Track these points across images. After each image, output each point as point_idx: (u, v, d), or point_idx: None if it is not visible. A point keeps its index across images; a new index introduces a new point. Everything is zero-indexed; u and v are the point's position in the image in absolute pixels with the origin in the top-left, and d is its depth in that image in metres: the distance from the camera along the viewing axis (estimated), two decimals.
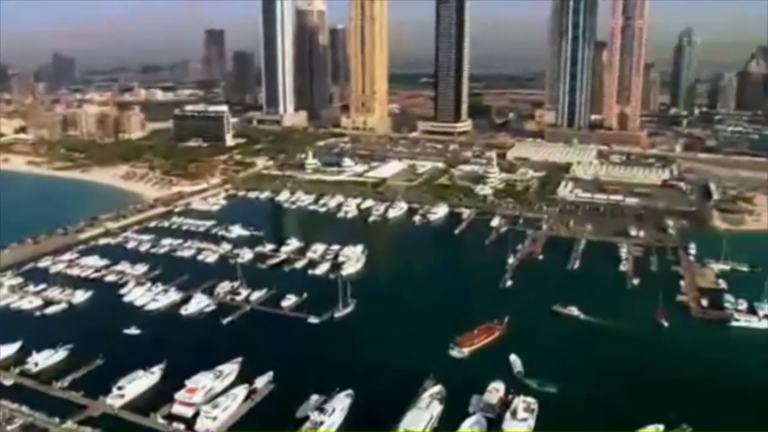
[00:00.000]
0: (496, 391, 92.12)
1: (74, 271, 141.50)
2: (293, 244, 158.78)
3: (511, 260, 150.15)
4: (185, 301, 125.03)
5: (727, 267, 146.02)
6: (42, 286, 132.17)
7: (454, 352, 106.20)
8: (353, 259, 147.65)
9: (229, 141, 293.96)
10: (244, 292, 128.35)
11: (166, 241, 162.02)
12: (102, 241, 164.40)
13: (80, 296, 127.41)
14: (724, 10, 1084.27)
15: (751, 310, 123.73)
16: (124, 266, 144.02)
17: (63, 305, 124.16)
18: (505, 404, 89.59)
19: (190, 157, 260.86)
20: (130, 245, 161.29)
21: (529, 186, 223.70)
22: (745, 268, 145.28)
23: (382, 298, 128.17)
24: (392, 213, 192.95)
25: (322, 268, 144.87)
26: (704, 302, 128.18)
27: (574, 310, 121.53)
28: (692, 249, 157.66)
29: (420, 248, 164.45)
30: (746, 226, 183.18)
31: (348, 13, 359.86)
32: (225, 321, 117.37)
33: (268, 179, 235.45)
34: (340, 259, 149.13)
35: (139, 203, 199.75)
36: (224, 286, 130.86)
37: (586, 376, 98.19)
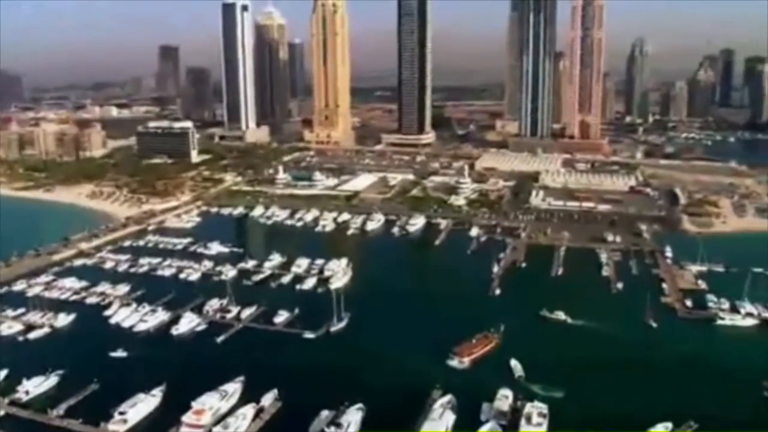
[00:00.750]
0: (505, 398, 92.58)
1: (53, 294, 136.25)
2: (276, 259, 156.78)
3: (495, 269, 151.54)
4: (174, 320, 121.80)
5: (703, 268, 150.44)
6: (20, 310, 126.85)
7: (454, 363, 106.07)
8: (340, 272, 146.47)
9: (195, 157, 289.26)
10: (233, 310, 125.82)
11: (145, 261, 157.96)
12: (77, 262, 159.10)
13: (63, 319, 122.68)
14: (674, 19, 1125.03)
15: (734, 309, 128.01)
16: (104, 287, 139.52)
17: (46, 329, 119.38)
18: (515, 410, 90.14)
19: (156, 174, 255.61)
20: (108, 265, 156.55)
21: (502, 195, 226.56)
22: (720, 269, 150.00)
23: (373, 310, 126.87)
24: (370, 225, 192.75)
25: (309, 283, 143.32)
26: (688, 303, 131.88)
27: (561, 315, 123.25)
28: (668, 252, 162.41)
29: (404, 260, 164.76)
30: (715, 228, 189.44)
31: (309, 27, 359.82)
32: (219, 340, 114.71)
33: (240, 195, 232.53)
34: (326, 273, 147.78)
35: (110, 222, 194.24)
36: (213, 304, 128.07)
37: (587, 379, 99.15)
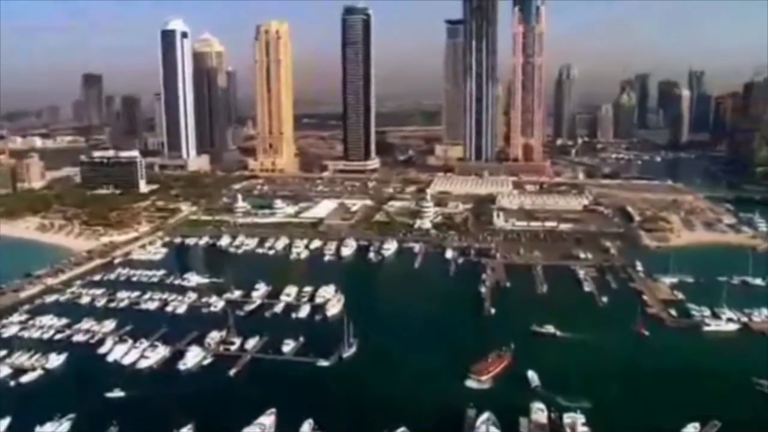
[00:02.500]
0: (540, 411, 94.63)
1: (34, 334, 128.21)
2: (262, 288, 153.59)
3: (483, 289, 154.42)
4: (177, 355, 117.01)
5: (675, 279, 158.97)
6: (2, 352, 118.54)
7: (472, 383, 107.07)
8: (333, 299, 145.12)
9: (143, 187, 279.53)
10: (236, 341, 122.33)
11: (123, 294, 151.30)
12: (48, 299, 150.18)
13: (54, 360, 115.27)
14: (598, 44, 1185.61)
15: (715, 315, 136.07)
16: (89, 324, 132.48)
17: (39, 372, 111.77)
18: (553, 422, 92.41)
19: (106, 205, 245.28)
20: (84, 301, 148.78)
21: (466, 218, 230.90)
22: (690, 279, 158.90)
23: (378, 336, 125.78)
24: (345, 251, 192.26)
25: (304, 311, 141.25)
26: (673, 312, 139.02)
27: (551, 329, 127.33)
28: (639, 266, 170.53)
29: (390, 284, 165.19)
30: (672, 242, 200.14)
31: (252, 54, 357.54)
32: (231, 373, 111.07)
33: (200, 225, 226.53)
34: (318, 300, 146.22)
35: (69, 256, 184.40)
36: (213, 337, 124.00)
37: (604, 388, 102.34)
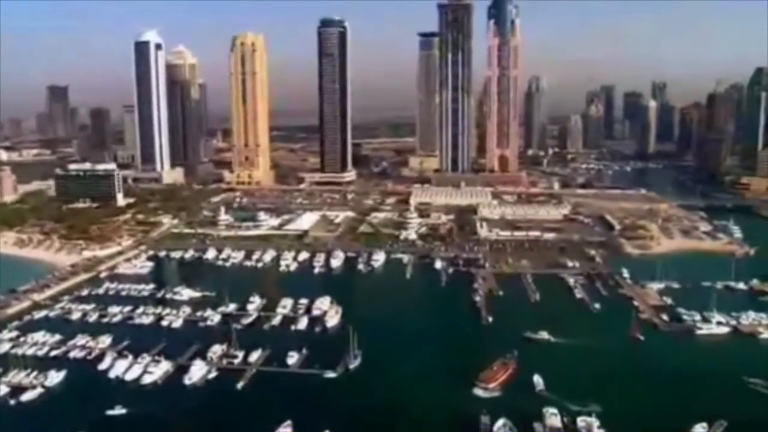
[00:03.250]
0: (554, 415, 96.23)
1: (28, 351, 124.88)
2: (257, 301, 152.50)
3: (478, 298, 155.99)
4: (181, 370, 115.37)
5: (662, 285, 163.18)
6: None
7: (479, 391, 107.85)
8: (331, 311, 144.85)
9: (121, 201, 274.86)
10: (239, 355, 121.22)
11: (115, 309, 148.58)
12: (37, 315, 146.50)
13: (54, 377, 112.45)
14: (563, 56, 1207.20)
15: (705, 319, 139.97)
16: (84, 339, 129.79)
17: (38, 390, 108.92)
18: (567, 426, 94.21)
19: (84, 219, 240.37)
20: (75, 316, 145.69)
21: (451, 229, 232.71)
22: (676, 285, 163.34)
23: (380, 346, 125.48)
24: (334, 263, 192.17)
25: (302, 323, 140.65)
26: (664, 317, 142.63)
27: (544, 334, 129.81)
28: (625, 273, 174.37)
29: (384, 295, 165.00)
30: (653, 250, 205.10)
31: (228, 66, 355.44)
32: (239, 386, 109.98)
33: (184, 238, 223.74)
34: (315, 312, 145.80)
35: (52, 271, 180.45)
36: (215, 350, 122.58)
37: (609, 391, 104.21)
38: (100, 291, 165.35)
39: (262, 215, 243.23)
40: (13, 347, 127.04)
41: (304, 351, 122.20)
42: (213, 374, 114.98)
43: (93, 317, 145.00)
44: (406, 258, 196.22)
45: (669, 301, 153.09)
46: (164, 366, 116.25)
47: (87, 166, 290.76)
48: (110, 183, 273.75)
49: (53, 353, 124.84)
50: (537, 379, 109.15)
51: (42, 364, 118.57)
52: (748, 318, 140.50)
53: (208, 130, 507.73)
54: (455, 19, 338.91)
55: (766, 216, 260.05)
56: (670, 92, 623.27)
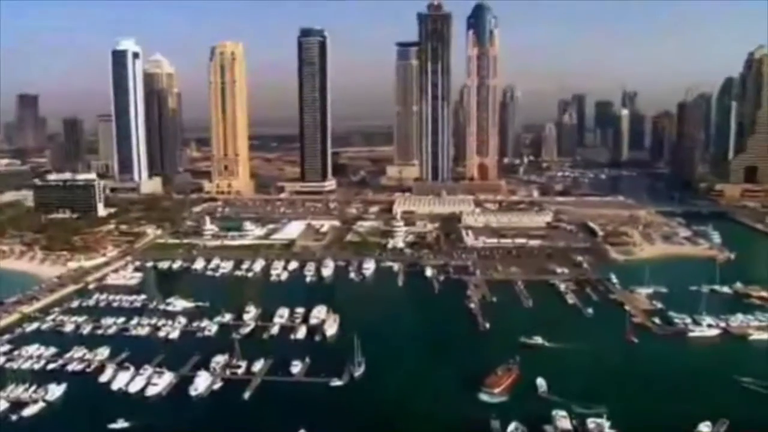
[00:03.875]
0: (563, 418, 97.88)
1: (24, 364, 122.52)
2: (252, 311, 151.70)
3: (472, 305, 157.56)
4: (185, 381, 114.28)
5: (650, 290, 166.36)
6: None
7: (485, 396, 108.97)
8: (329, 320, 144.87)
9: (102, 211, 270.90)
10: (242, 365, 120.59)
11: (108, 321, 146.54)
12: (29, 328, 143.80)
13: (55, 391, 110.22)
14: (535, 66, 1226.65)
15: (696, 322, 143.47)
16: (81, 352, 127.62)
17: (40, 404, 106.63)
18: (577, 428, 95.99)
19: (65, 229, 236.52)
20: (68, 329, 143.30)
21: (438, 237, 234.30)
22: (664, 290, 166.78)
23: (382, 353, 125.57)
24: (325, 272, 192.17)
25: (301, 332, 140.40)
26: (657, 321, 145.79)
27: (539, 339, 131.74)
28: (614, 279, 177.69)
29: (379, 303, 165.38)
30: (637, 255, 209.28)
31: (207, 75, 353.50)
32: (246, 396, 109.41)
33: (170, 248, 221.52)
34: (313, 321, 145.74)
35: (38, 283, 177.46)
36: (218, 361, 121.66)
37: (611, 392, 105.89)
38: (91, 302, 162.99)
39: (248, 225, 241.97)
40: (7, 361, 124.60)
41: (307, 360, 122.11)
42: (218, 385, 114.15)
43: (87, 329, 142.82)
44: (396, 266, 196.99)
45: (659, 305, 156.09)
46: (167, 377, 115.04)
47: (67, 176, 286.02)
48: (91, 193, 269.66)
49: (50, 366, 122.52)
50: (540, 382, 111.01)
51: (40, 377, 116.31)
52: (737, 320, 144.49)
53: (182, 140, 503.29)
54: (435, 30, 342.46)
55: (741, 221, 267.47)
56: (639, 101, 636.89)
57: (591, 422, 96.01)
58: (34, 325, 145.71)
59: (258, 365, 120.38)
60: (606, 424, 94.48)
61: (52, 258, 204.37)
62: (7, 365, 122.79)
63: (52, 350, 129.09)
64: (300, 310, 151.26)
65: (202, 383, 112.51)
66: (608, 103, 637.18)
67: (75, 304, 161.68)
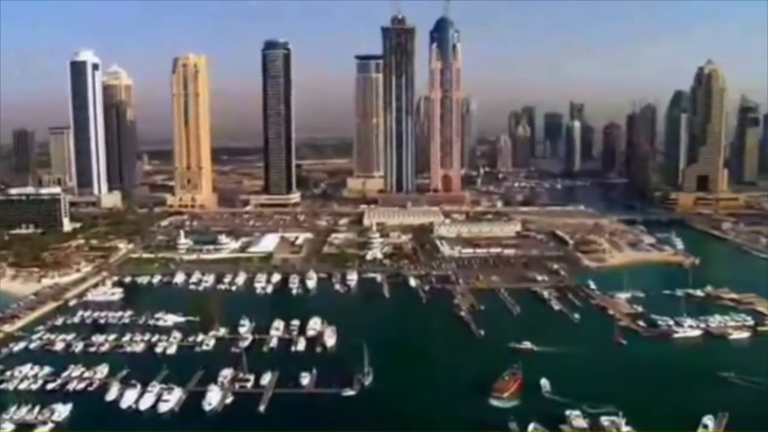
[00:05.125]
0: (578, 417, 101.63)
1: (21, 385, 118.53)
2: (247, 324, 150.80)
3: (463, 313, 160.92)
4: (195, 396, 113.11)
5: (628, 295, 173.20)
6: None
7: (496, 401, 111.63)
8: (328, 331, 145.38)
9: (67, 226, 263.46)
10: (251, 378, 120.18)
11: (99, 338, 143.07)
12: (16, 347, 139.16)
13: (62, 411, 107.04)
14: (490, 78, 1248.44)
15: (678, 324, 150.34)
16: (78, 371, 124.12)
17: (49, 425, 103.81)
18: (593, 426, 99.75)
19: (31, 245, 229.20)
20: (59, 347, 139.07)
21: (415, 248, 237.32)
22: (641, 294, 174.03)
23: (385, 363, 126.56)
24: (310, 284, 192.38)
25: (301, 344, 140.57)
26: (641, 323, 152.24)
27: (526, 344, 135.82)
28: (592, 285, 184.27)
29: (371, 313, 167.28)
30: (608, 262, 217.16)
31: (169, 87, 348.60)
32: (261, 409, 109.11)
33: (144, 263, 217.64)
34: (310, 332, 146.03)
35: (18, 301, 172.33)
36: (225, 375, 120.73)
37: (614, 391, 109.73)
38: (76, 320, 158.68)
39: (223, 238, 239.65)
40: (1, 382, 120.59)
41: (314, 371, 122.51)
42: (229, 399, 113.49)
43: (78, 347, 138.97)
44: (379, 277, 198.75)
45: (640, 308, 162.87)
46: (177, 393, 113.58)
47: (30, 190, 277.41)
48: (55, 208, 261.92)
49: (50, 386, 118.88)
50: (544, 383, 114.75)
51: (41, 398, 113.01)
52: (716, 321, 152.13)
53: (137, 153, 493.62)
54: (399, 43, 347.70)
55: (698, 228, 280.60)
56: (585, 113, 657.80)
57: (605, 420, 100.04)
58: (21, 344, 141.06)
59: (266, 378, 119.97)
60: (622, 421, 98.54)
61: (24, 275, 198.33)
62: (2, 386, 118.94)
63: (48, 369, 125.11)
64: (295, 322, 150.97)
65: (214, 397, 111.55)
66: (557, 115, 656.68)
67: (59, 321, 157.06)
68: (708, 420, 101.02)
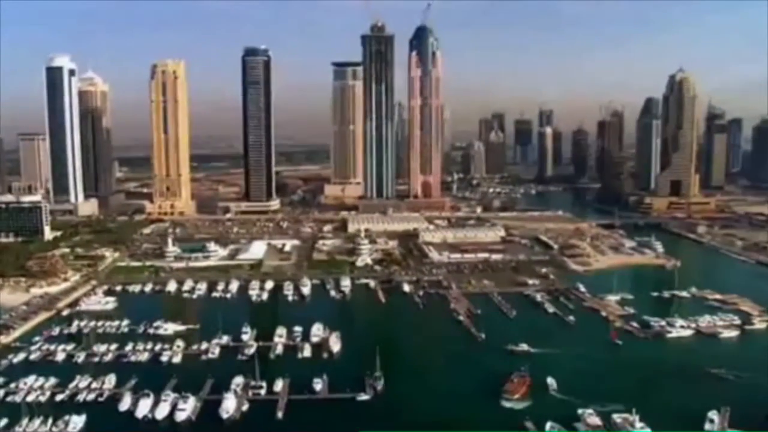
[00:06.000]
0: (590, 415, 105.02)
1: (28, 397, 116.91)
2: (249, 331, 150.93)
3: (461, 318, 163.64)
4: (210, 404, 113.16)
5: (618, 297, 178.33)
6: (3, 420, 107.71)
7: (508, 403, 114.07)
8: (332, 337, 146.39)
9: (48, 234, 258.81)
10: (264, 385, 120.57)
11: (101, 348, 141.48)
12: (16, 359, 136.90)
13: (77, 423, 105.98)
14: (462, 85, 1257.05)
15: (670, 324, 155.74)
16: (85, 381, 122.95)
17: None
18: (606, 424, 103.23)
19: (13, 255, 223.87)
20: (60, 357, 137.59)
21: (404, 254, 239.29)
22: (630, 296, 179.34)
23: (394, 368, 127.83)
24: (305, 290, 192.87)
25: (307, 350, 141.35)
26: (635, 324, 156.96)
27: (523, 346, 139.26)
28: (582, 288, 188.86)
29: (371, 319, 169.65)
30: (594, 266, 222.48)
31: (148, 93, 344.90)
32: (279, 416, 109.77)
33: (133, 271, 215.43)
34: (314, 339, 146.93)
35: (10, 311, 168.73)
36: (238, 382, 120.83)
37: (617, 390, 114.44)
38: (72, 329, 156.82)
39: (212, 246, 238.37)
40: (7, 395, 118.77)
41: (324, 376, 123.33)
42: (245, 406, 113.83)
43: (81, 357, 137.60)
44: (372, 283, 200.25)
45: (631, 310, 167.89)
46: (192, 402, 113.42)
47: (10, 198, 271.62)
48: (37, 216, 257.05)
49: (59, 398, 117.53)
50: (551, 381, 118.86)
51: (52, 410, 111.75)
52: (705, 321, 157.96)
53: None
54: (378, 50, 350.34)
55: (675, 232, 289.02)
56: (554, 119, 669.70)
57: (618, 417, 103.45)
58: (21, 355, 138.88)
59: (279, 385, 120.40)
60: (635, 417, 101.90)
61: (10, 285, 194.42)
62: (9, 399, 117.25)
63: (53, 381, 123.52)
64: (298, 328, 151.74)
65: (230, 405, 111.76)
66: (527, 122, 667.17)
67: (55, 331, 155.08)
68: (713, 415, 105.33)
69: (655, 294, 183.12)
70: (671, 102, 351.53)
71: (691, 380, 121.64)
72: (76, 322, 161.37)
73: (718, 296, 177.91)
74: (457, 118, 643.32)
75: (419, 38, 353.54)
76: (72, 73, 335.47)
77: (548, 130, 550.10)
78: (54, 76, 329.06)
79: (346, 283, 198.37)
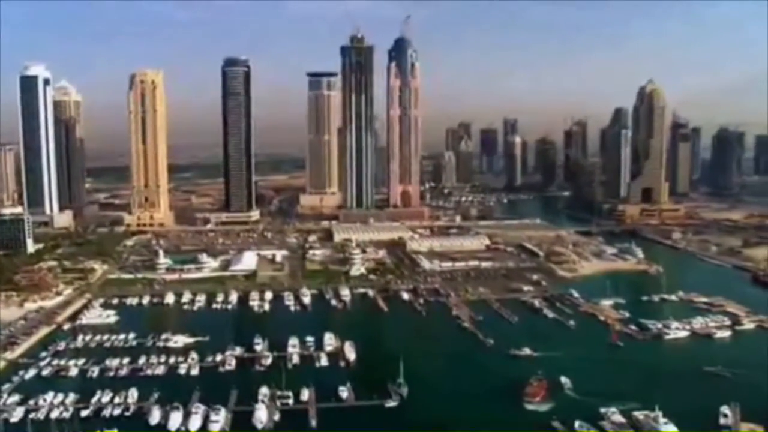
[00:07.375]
0: (613, 413, 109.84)
1: (52, 414, 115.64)
2: (261, 342, 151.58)
3: (467, 324, 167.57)
4: (240, 415, 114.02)
5: (611, 302, 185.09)
6: None
7: (530, 405, 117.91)
8: (346, 346, 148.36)
9: (31, 247, 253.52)
10: (290, 395, 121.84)
11: (114, 362, 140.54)
12: (28, 375, 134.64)
13: None
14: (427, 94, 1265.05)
15: (666, 327, 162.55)
16: (107, 396, 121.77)
17: None
18: (630, 423, 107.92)
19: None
20: (73, 373, 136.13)
21: (397, 263, 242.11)
22: (622, 301, 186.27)
23: (413, 374, 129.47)
24: (306, 300, 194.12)
25: (323, 360, 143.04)
26: (633, 327, 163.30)
27: (526, 350, 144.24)
28: (575, 293, 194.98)
29: (378, 327, 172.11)
30: (581, 272, 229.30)
31: (126, 104, 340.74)
32: (313, 424, 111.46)
33: (126, 284, 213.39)
34: (328, 348, 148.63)
35: (10, 326, 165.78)
36: (265, 393, 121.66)
37: (629, 389, 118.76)
38: (79, 344, 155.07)
39: (204, 257, 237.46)
40: (29, 412, 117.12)
41: (348, 384, 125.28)
42: (277, 416, 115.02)
43: (95, 372, 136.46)
44: (371, 292, 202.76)
45: (626, 314, 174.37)
46: (222, 413, 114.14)
47: None
48: (19, 229, 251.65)
49: (84, 413, 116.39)
50: (565, 380, 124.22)
51: (80, 425, 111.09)
52: (698, 323, 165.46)
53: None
54: (358, 61, 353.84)
55: (650, 238, 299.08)
56: (518, 128, 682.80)
57: (640, 414, 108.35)
58: (32, 372, 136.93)
59: (305, 394, 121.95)
60: (658, 414, 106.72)
61: (2, 299, 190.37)
62: (32, 416, 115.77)
63: (73, 396, 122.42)
64: (310, 338, 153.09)
65: (263, 415, 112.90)
66: (492, 131, 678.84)
67: (61, 346, 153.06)
68: (726, 410, 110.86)
69: (645, 298, 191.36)
70: (641, 112, 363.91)
71: (693, 378, 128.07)
72: (80, 337, 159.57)
73: (704, 299, 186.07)
74: (424, 127, 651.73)
75: (398, 49, 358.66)
76: (47, 82, 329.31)
77: (517, 139, 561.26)
78: (29, 85, 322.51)
79: (345, 292, 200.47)
